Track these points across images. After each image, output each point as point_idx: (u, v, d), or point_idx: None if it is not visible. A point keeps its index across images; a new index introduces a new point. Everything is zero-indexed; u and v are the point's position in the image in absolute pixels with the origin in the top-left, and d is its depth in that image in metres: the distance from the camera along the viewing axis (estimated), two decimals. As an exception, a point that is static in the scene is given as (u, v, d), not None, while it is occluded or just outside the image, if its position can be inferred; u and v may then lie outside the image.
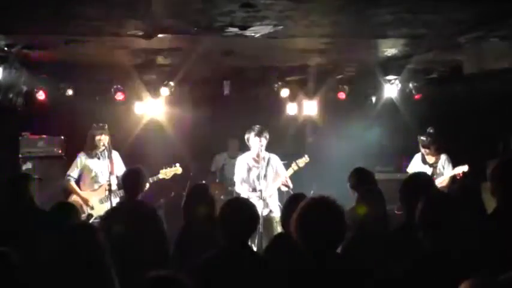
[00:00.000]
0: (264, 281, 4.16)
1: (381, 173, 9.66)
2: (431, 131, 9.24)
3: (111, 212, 6.62)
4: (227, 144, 10.90)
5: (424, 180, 5.14)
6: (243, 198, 6.73)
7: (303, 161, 8.58)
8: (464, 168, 8.85)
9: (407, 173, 9.23)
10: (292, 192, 7.69)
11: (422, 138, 9.24)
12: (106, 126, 8.53)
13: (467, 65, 8.00)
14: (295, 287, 3.62)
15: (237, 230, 4.34)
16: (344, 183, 6.48)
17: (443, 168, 9.14)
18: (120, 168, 8.44)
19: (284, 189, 8.62)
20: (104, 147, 8.40)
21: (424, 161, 9.33)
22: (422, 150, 9.28)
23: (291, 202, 5.45)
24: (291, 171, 8.50)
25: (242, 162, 8.62)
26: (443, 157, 9.22)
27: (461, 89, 9.51)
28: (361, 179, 6.30)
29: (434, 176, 8.87)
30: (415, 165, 9.40)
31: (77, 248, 4.06)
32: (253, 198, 7.86)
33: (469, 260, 3.51)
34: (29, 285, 4.31)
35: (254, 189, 8.37)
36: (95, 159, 8.42)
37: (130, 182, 6.34)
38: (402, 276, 3.61)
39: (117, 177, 8.32)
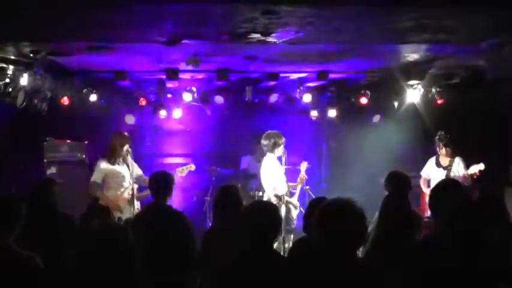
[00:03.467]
0: (287, 284, 4.20)
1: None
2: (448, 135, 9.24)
3: (141, 216, 6.67)
4: (253, 147, 10.85)
5: (451, 188, 5.14)
6: (266, 201, 6.79)
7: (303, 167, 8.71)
8: (480, 166, 8.74)
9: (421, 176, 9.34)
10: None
11: (442, 133, 9.19)
12: (127, 134, 8.66)
13: (489, 70, 7.97)
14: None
15: (260, 233, 4.38)
16: (364, 187, 6.53)
17: (458, 171, 9.00)
18: (137, 172, 8.58)
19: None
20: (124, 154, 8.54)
21: (438, 164, 9.22)
22: (439, 149, 9.18)
23: (312, 206, 5.50)
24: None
25: (277, 165, 8.61)
26: (457, 160, 9.10)
27: (483, 94, 9.47)
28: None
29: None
30: (429, 168, 9.34)
31: (107, 249, 4.10)
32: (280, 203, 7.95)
33: (493, 270, 3.52)
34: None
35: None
36: (116, 165, 8.49)
37: (159, 186, 6.36)
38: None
39: (135, 181, 8.43)
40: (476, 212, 3.86)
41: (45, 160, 9.69)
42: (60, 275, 4.51)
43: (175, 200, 9.20)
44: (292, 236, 8.20)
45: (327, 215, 3.68)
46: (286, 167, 8.52)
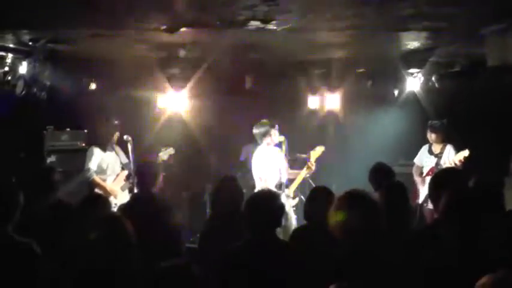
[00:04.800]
0: (289, 272, 4.20)
1: (403, 167, 9.67)
2: (443, 121, 9.29)
3: (129, 205, 6.66)
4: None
5: (451, 176, 5.13)
6: (267, 189, 6.79)
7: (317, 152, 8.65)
8: (465, 153, 8.78)
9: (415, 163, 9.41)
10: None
11: (434, 122, 9.26)
12: (117, 122, 8.82)
13: (491, 57, 7.91)
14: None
15: (261, 221, 4.38)
16: (365, 177, 6.54)
17: (448, 158, 9.09)
18: (123, 160, 8.77)
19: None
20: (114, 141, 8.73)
21: (430, 152, 9.34)
22: (430, 136, 9.29)
23: (313, 194, 5.49)
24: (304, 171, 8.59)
25: (266, 155, 8.63)
26: (448, 147, 9.21)
27: (484, 82, 9.43)
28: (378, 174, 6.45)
29: (439, 166, 8.92)
30: (422, 156, 9.44)
31: (108, 239, 4.11)
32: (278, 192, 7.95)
33: (489, 256, 3.51)
34: (54, 277, 4.39)
35: (278, 183, 8.41)
36: (107, 152, 8.58)
37: (145, 175, 6.38)
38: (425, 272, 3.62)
39: (122, 168, 8.64)
40: (473, 202, 3.85)
41: (45, 149, 9.68)
42: (61, 264, 4.53)
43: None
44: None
45: (344, 207, 3.67)
46: (287, 156, 8.54)
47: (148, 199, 6.25)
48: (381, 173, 6.72)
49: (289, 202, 8.37)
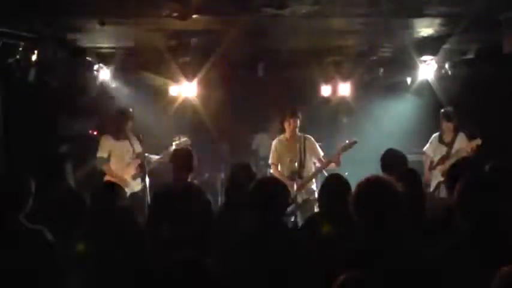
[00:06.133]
0: (296, 259, 4.19)
1: (416, 155, 9.60)
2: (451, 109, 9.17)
3: (164, 192, 6.60)
4: (266, 126, 10.83)
5: (467, 165, 5.09)
6: (272, 176, 6.77)
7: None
8: (478, 141, 8.67)
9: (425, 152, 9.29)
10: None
11: (447, 109, 9.14)
12: (131, 110, 8.70)
13: (507, 44, 7.84)
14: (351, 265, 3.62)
15: (267, 208, 4.36)
16: (377, 165, 6.49)
17: (460, 147, 8.91)
18: (138, 149, 8.58)
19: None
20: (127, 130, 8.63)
21: (441, 140, 9.14)
22: (443, 124, 9.11)
23: (327, 182, 5.46)
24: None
25: (277, 144, 8.62)
26: (460, 135, 9.02)
27: (500, 69, 9.35)
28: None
29: (450, 155, 8.82)
30: (433, 144, 9.28)
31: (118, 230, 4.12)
32: (288, 180, 7.93)
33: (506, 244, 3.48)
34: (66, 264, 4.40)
35: (292, 172, 8.39)
36: (120, 141, 8.52)
37: (182, 162, 6.31)
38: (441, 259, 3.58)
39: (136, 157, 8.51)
40: (490, 186, 3.81)
41: (57, 136, 9.71)
42: (74, 252, 4.54)
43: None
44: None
45: (364, 194, 3.66)
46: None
47: (184, 186, 6.20)
48: (394, 160, 6.64)
49: (301, 193, 8.36)
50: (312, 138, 8.63)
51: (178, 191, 6.13)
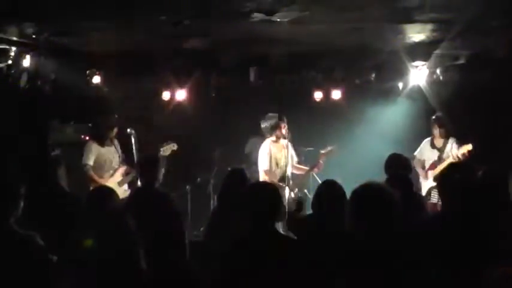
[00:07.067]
0: (287, 262, 4.19)
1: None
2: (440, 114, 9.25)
3: (132, 199, 6.63)
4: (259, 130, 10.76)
5: (459, 170, 5.11)
6: (265, 181, 6.79)
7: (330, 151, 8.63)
8: (469, 147, 8.68)
9: (415, 157, 9.28)
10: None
11: (438, 115, 9.20)
12: (116, 117, 8.72)
13: (498, 50, 7.89)
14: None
15: (259, 213, 4.36)
16: (370, 169, 6.50)
17: (451, 152, 8.95)
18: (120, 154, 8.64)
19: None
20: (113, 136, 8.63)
21: (433, 145, 9.21)
22: (434, 130, 9.17)
23: (321, 188, 5.47)
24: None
25: (266, 149, 8.63)
26: (451, 140, 9.07)
27: (491, 74, 9.39)
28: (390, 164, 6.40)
29: (441, 161, 8.86)
30: (423, 149, 9.33)
31: (112, 236, 4.10)
32: (279, 184, 7.94)
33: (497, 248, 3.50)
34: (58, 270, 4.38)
35: (281, 176, 8.42)
36: (106, 147, 8.50)
37: (149, 169, 6.37)
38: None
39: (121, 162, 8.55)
40: (479, 195, 3.84)
41: (49, 142, 9.66)
42: (66, 257, 4.52)
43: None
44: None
45: (365, 199, 3.68)
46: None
47: (150, 192, 6.23)
48: (397, 164, 6.64)
49: (291, 196, 8.39)
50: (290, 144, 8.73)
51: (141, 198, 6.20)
